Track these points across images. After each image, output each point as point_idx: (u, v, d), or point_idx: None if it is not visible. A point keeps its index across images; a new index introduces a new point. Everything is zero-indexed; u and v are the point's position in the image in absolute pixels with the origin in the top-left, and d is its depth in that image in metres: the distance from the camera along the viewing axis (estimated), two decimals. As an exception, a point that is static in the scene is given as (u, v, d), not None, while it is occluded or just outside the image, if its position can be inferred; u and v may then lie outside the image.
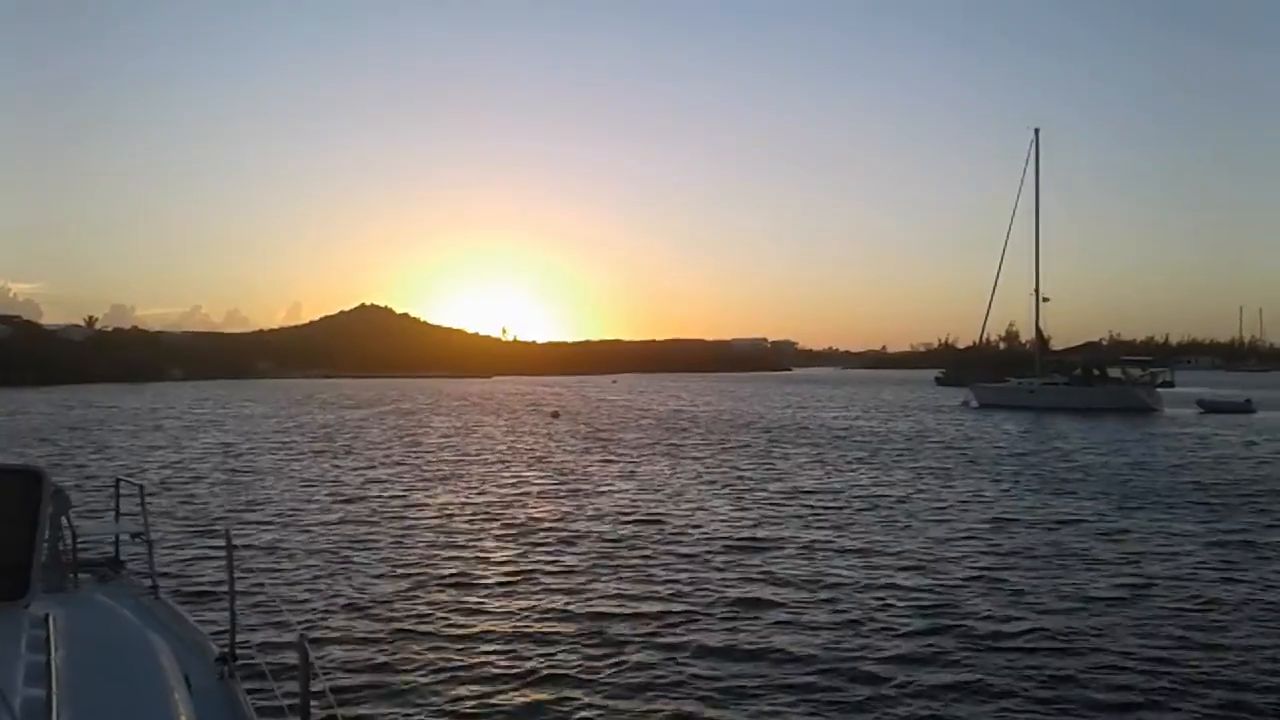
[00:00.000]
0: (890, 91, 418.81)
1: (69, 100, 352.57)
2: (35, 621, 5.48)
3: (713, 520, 19.78)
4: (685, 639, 11.40)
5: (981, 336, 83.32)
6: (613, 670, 10.31)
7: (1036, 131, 70.99)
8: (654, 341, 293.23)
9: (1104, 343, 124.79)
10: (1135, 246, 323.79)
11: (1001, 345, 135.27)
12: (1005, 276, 73.04)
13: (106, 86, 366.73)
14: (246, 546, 16.72)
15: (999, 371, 79.00)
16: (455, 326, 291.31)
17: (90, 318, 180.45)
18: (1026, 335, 75.76)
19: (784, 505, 21.85)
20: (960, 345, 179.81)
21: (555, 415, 62.07)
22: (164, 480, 26.72)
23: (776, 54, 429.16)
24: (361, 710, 9.24)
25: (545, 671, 10.23)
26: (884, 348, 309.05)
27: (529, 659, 10.65)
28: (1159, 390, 63.43)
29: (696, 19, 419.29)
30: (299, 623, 11.55)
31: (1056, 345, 77.71)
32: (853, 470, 29.13)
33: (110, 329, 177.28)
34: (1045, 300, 69.81)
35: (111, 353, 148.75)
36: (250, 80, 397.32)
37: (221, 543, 16.02)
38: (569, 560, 15.92)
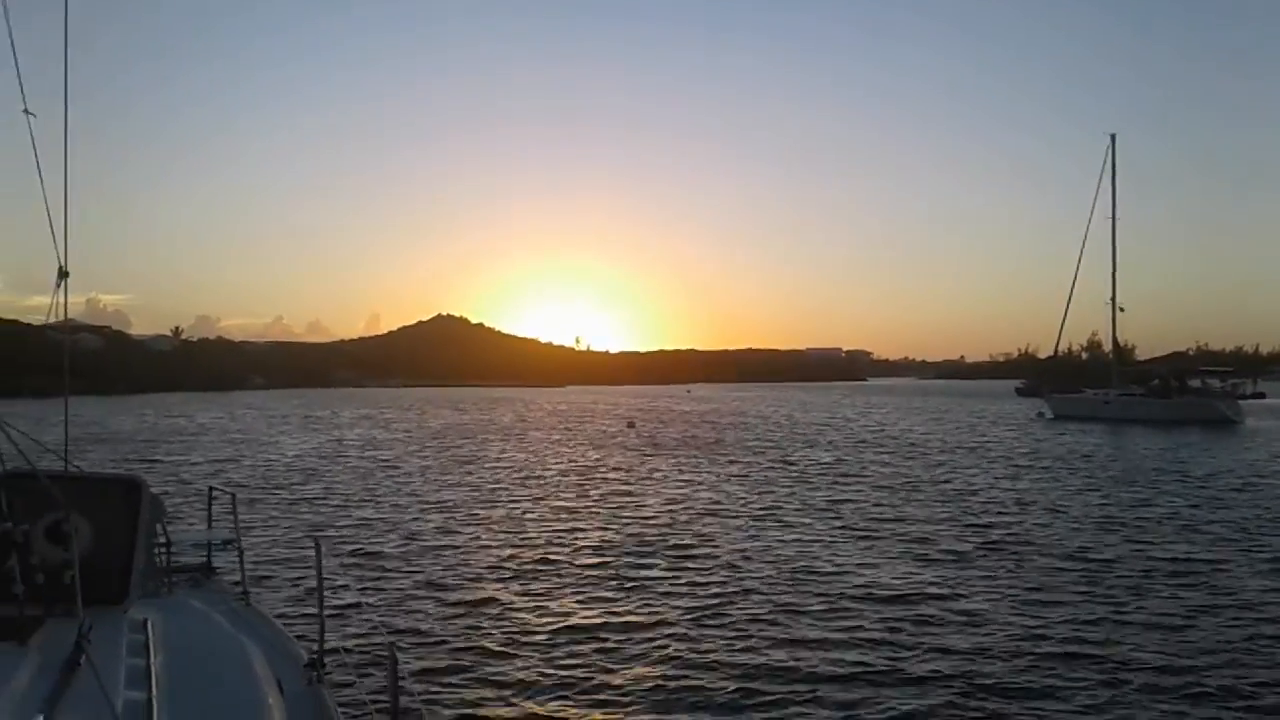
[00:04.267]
0: (965, 99, 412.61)
1: (157, 120, 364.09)
2: (135, 626, 5.65)
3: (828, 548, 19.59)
4: (798, 661, 11.20)
5: (1057, 346, 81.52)
6: (710, 688, 10.14)
7: (1113, 137, 69.58)
8: (728, 351, 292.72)
9: (1191, 353, 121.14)
10: (1221, 254, 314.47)
11: (1084, 355, 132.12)
12: (1082, 285, 71.68)
13: (192, 107, 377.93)
14: (336, 555, 16.88)
15: (1078, 382, 77.21)
16: (529, 336, 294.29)
17: (176, 328, 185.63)
18: (1109, 345, 74.04)
19: (850, 530, 21.57)
20: (1041, 355, 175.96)
21: (631, 425, 62.19)
22: (254, 487, 27.24)
23: (851, 65, 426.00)
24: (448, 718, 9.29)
25: (634, 688, 10.09)
26: (962, 358, 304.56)
27: (618, 675, 10.54)
28: (1241, 401, 61.43)
29: (766, 29, 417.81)
30: (387, 631, 11.63)
31: (1141, 355, 76.03)
32: (902, 491, 28.64)
33: (195, 339, 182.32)
34: (1121, 310, 68.35)
35: (196, 362, 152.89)
36: (331, 98, 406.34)
37: (311, 550, 16.41)
38: (663, 575, 15.66)
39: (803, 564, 16.24)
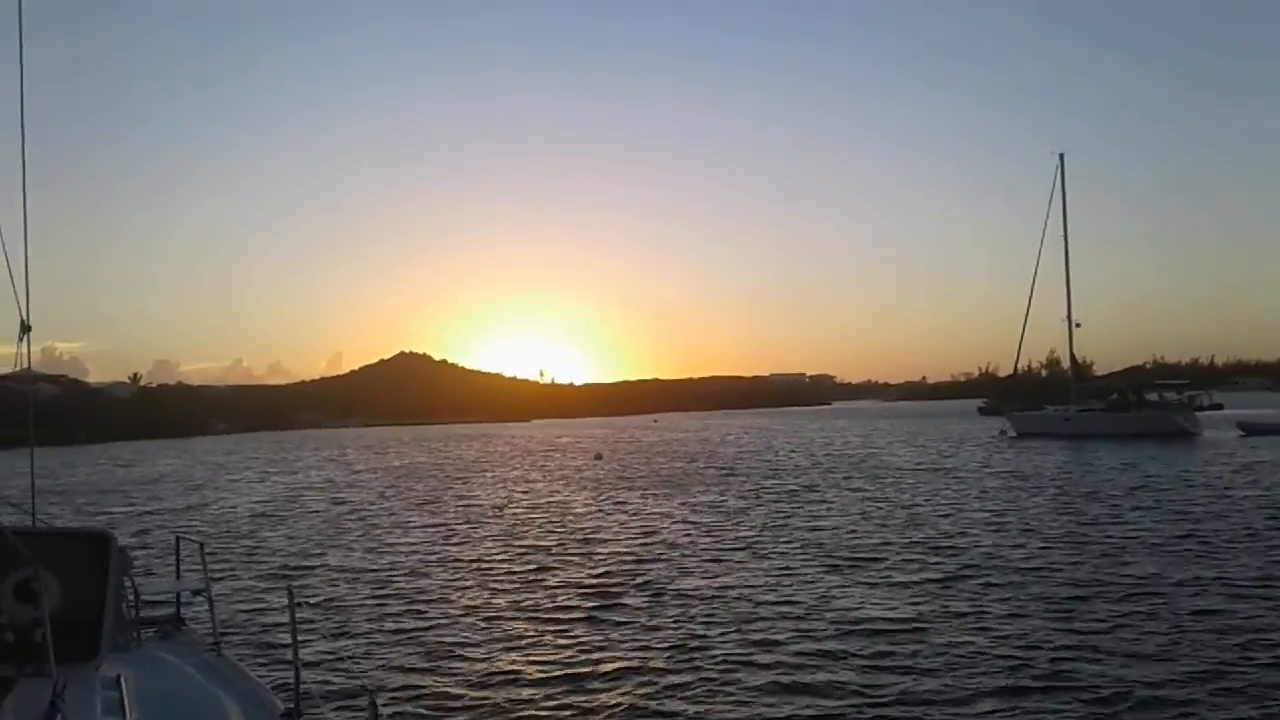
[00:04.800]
0: (921, 120, 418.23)
1: (109, 163, 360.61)
2: (108, 683, 5.58)
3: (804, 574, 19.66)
4: (778, 678, 11.31)
5: (1016, 364, 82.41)
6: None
7: (1061, 157, 71.17)
8: (692, 379, 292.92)
9: (1148, 366, 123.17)
10: (1174, 268, 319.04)
11: (1044, 372, 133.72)
12: (1038, 302, 72.83)
13: (144, 152, 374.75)
14: (307, 602, 16.69)
15: (1039, 399, 78.16)
16: (493, 371, 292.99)
17: (135, 374, 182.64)
18: (1067, 362, 75.21)
19: (816, 552, 21.68)
20: (1001, 374, 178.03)
21: (598, 457, 62.08)
22: (221, 535, 26.86)
23: (802, 87, 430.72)
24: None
25: None
26: (924, 378, 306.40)
27: (605, 713, 10.49)
28: (1198, 413, 62.43)
29: (717, 57, 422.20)
30: (365, 679, 11.51)
31: (1099, 370, 77.24)
32: (871, 506, 28.85)
33: (154, 385, 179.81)
34: (1077, 326, 69.61)
35: (156, 408, 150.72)
36: (286, 138, 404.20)
37: (283, 599, 16.19)
38: (640, 613, 15.57)
39: (778, 595, 16.23)
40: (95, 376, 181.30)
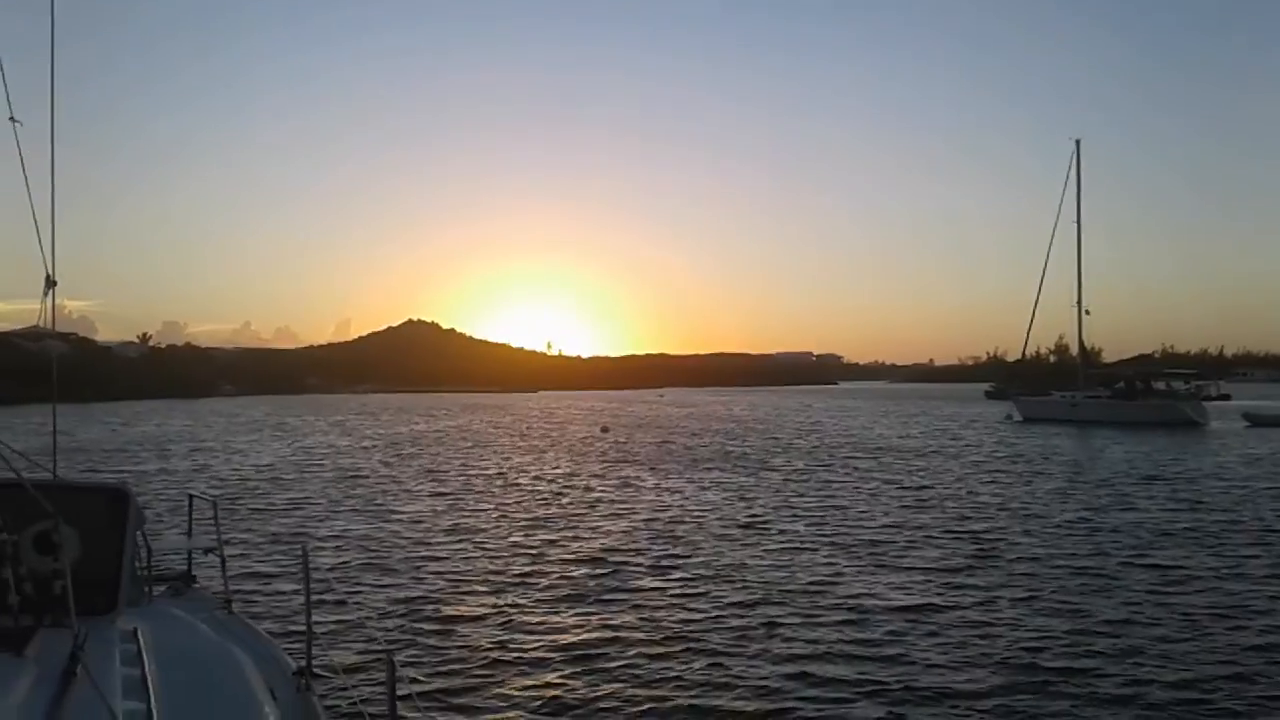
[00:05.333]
0: (935, 103, 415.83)
1: (123, 124, 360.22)
2: (125, 636, 5.64)
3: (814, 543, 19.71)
4: (783, 650, 11.38)
5: (1024, 350, 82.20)
6: (708, 686, 10.24)
7: (1077, 143, 70.86)
8: (699, 355, 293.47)
9: (1156, 355, 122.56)
10: (1185, 258, 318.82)
11: (1052, 358, 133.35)
12: (1049, 288, 72.70)
13: (159, 112, 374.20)
14: (320, 566, 16.69)
15: (1046, 385, 78.01)
16: (500, 341, 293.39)
17: (144, 334, 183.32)
18: (1076, 348, 75.01)
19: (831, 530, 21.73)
20: (1009, 358, 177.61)
21: (605, 430, 62.18)
22: (231, 495, 27.04)
23: (817, 68, 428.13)
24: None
25: (630, 701, 10.08)
26: (931, 361, 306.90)
27: (615, 687, 10.53)
28: (1205, 404, 62.26)
29: (730, 34, 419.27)
30: (373, 640, 11.56)
31: (1108, 358, 76.81)
32: (870, 490, 28.90)
33: (163, 345, 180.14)
34: (1087, 313, 69.45)
35: (164, 369, 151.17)
36: (297, 101, 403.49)
37: (291, 560, 16.31)
38: (654, 585, 15.63)
39: (787, 575, 16.24)
40: (104, 335, 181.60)
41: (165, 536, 15.44)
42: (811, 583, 15.42)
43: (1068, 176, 70.58)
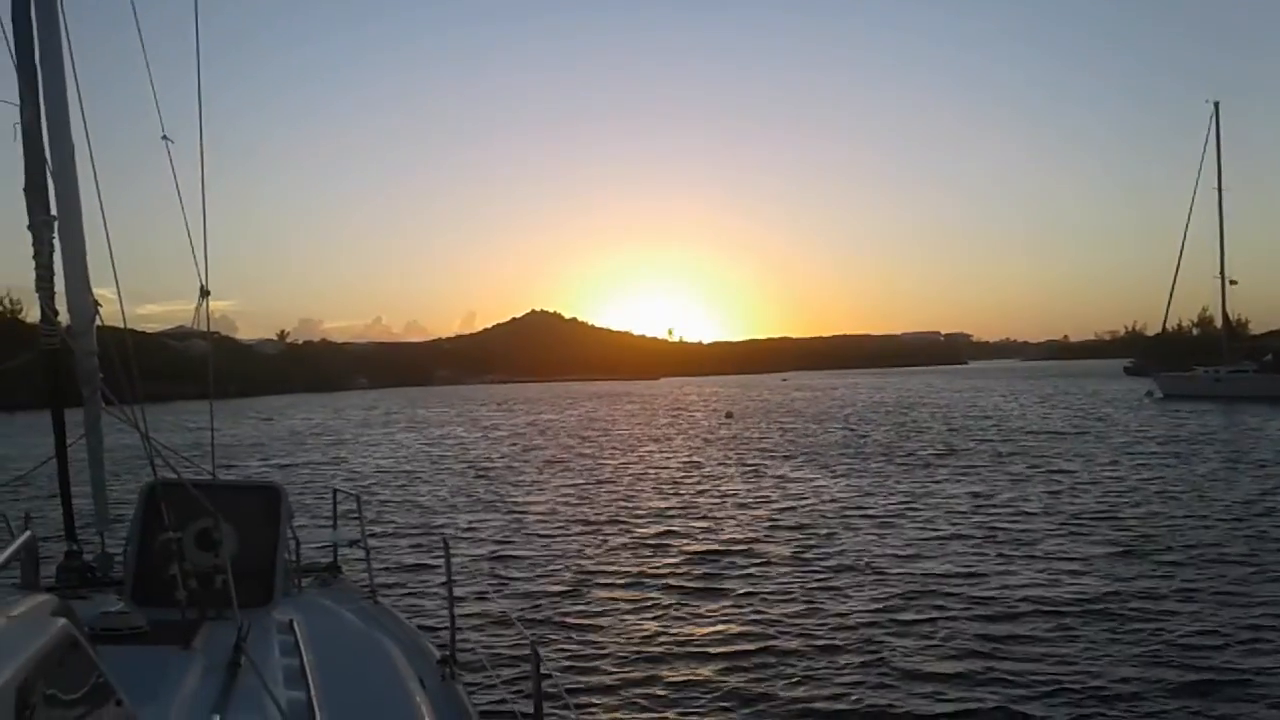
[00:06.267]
0: (1062, 68, 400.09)
1: (254, 131, 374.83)
2: (282, 627, 5.90)
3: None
4: (941, 648, 10.99)
5: (1165, 323, 78.39)
6: (858, 684, 9.96)
7: (1216, 105, 67.39)
8: (822, 338, 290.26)
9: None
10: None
11: (1194, 331, 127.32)
12: (1189, 258, 69.46)
13: (288, 119, 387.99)
14: (462, 554, 16.91)
15: (1189, 360, 74.52)
16: (622, 329, 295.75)
17: (282, 332, 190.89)
18: (1220, 320, 71.42)
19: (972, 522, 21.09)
20: (1149, 332, 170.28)
21: (729, 416, 62.13)
22: (371, 488, 27.75)
23: (935, 38, 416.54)
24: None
25: (782, 691, 9.86)
26: (1065, 337, 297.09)
27: (762, 675, 10.35)
28: None
29: (843, 11, 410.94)
30: (514, 631, 11.51)
31: (1254, 330, 73.13)
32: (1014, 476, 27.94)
33: (300, 342, 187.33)
34: (1233, 283, 66.23)
35: (302, 364, 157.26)
36: (423, 103, 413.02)
37: (432, 552, 16.76)
38: (791, 568, 15.41)
39: (934, 567, 15.59)
40: (244, 334, 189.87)
41: (311, 529, 16.02)
42: (960, 575, 14.80)
43: (1206, 140, 67.40)
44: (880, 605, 13.14)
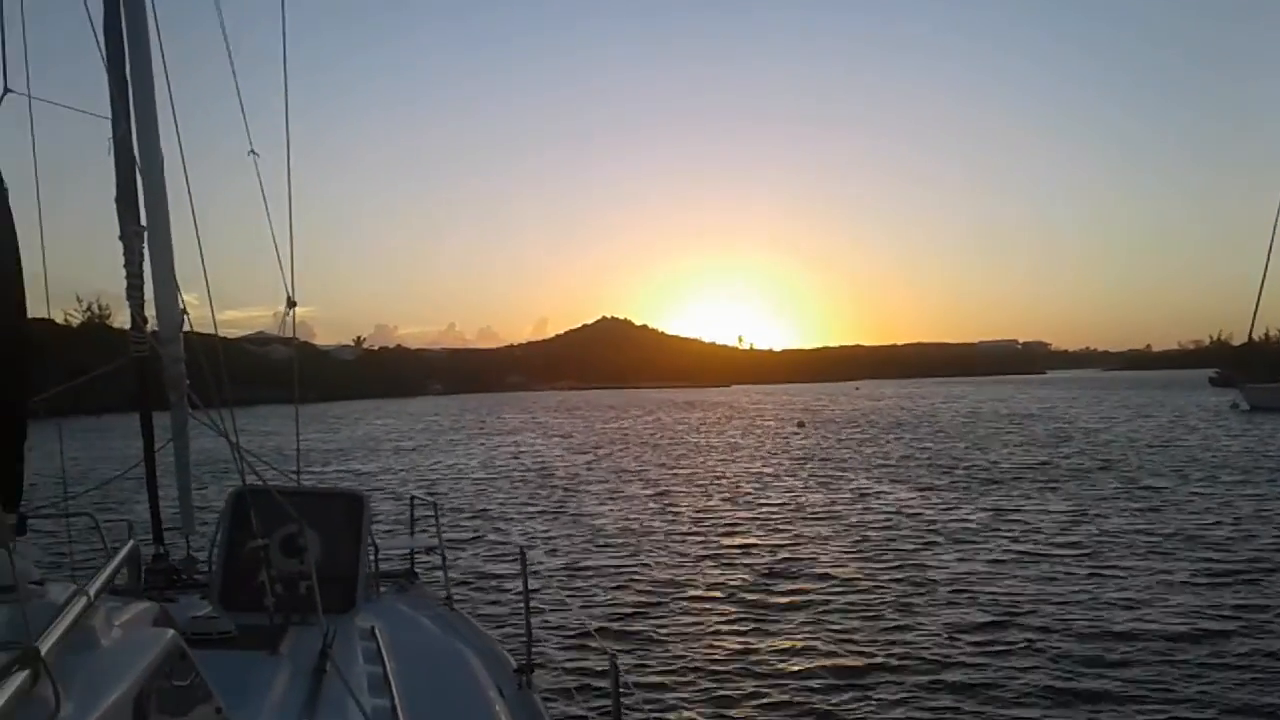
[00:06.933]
0: (1141, 74, 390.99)
1: (332, 143, 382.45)
2: (365, 633, 5.96)
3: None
4: (1038, 677, 10.65)
5: (1251, 332, 75.57)
6: (943, 712, 9.69)
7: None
8: (895, 346, 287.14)
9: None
10: None
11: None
12: (1276, 266, 66.85)
13: (366, 131, 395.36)
14: (537, 564, 16.83)
15: (1277, 370, 71.78)
16: (692, 336, 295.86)
17: (358, 338, 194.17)
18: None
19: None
20: (1235, 342, 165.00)
21: (801, 425, 61.73)
22: (449, 495, 27.95)
23: (1016, 50, 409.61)
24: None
25: (861, 713, 9.70)
26: (1148, 346, 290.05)
27: (845, 698, 10.14)
28: None
29: (915, 18, 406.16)
30: (590, 641, 11.53)
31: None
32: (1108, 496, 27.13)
33: (376, 348, 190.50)
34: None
35: (378, 369, 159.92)
36: (497, 111, 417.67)
37: (508, 559, 16.86)
38: (872, 586, 15.09)
39: (1023, 588, 15.13)
40: (322, 340, 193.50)
41: (388, 535, 16.21)
42: (1048, 598, 14.30)
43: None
44: (963, 627, 12.79)
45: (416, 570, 8.75)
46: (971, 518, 22.16)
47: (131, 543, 4.14)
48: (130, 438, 7.23)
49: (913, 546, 18.72)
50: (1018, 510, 22.97)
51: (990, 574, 16.01)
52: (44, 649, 2.29)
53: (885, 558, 17.66)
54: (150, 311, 6.36)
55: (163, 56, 5.77)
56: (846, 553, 18.26)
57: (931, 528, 20.86)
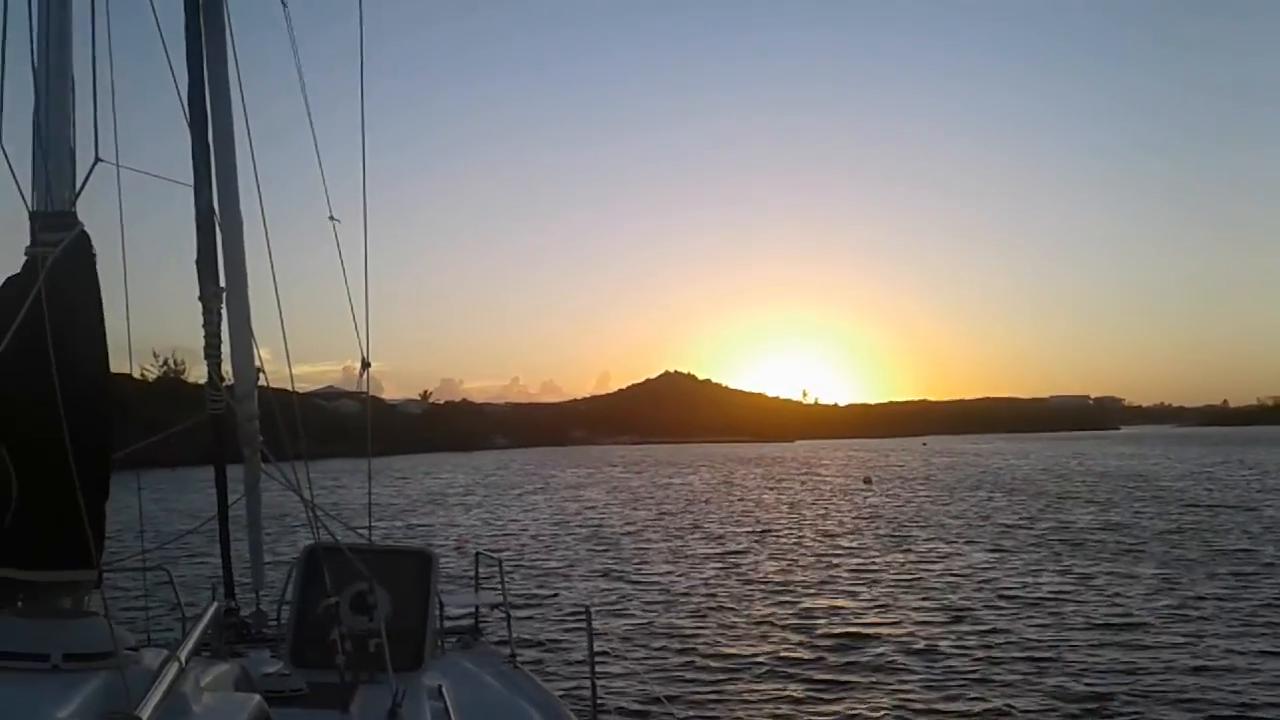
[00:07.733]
0: (1209, 116, 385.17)
1: (398, 201, 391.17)
2: (431, 692, 5.94)
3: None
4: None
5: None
6: None
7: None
8: (963, 401, 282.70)
9: None
10: None
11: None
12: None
13: (429, 191, 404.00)
14: (604, 623, 16.72)
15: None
16: (756, 390, 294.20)
17: (425, 392, 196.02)
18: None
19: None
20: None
21: (867, 481, 60.90)
22: (514, 550, 27.88)
23: (1079, 92, 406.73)
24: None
25: None
26: (1225, 401, 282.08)
27: None
28: None
29: (971, 72, 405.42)
30: (657, 701, 11.44)
31: None
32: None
33: (442, 402, 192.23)
34: None
35: (443, 423, 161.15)
36: (559, 164, 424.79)
37: (576, 615, 16.77)
38: (945, 652, 14.69)
39: (1114, 660, 14.48)
40: (389, 394, 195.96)
41: (453, 592, 16.21)
42: (1131, 669, 13.74)
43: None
44: (1038, 700, 12.37)
45: (480, 626, 8.72)
46: (1046, 582, 21.52)
47: (216, 604, 4.20)
48: (197, 490, 7.35)
49: (985, 612, 18.20)
50: (1101, 575, 22.16)
51: (1066, 643, 15.47)
52: (144, 717, 2.34)
53: (956, 625, 17.17)
54: (226, 367, 6.47)
55: (247, 125, 5.94)
56: (922, 620, 17.73)
57: (1005, 593, 20.30)
